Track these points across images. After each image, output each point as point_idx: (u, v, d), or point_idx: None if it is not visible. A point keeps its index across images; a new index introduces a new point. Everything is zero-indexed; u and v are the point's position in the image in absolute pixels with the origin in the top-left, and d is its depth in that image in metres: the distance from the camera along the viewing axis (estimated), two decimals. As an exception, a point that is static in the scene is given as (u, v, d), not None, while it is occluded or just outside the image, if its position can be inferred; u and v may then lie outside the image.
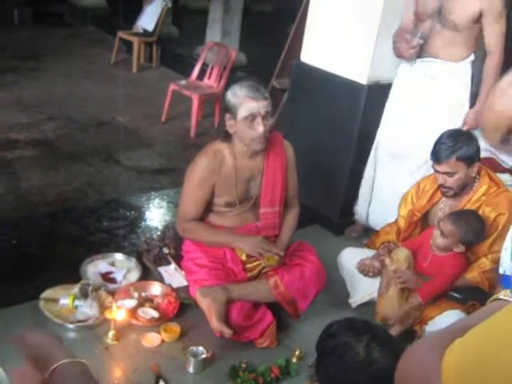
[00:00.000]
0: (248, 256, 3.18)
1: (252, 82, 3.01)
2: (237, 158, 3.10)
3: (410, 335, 3.15)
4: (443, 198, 3.29)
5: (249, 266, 3.20)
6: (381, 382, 1.60)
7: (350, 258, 3.52)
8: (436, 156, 3.13)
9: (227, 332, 2.89)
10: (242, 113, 2.93)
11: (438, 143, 3.14)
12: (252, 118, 2.93)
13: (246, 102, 2.91)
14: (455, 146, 3.05)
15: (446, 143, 3.08)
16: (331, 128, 4.25)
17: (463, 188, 3.17)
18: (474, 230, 3.04)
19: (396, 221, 3.55)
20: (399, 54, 3.75)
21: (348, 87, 4.10)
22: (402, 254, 3.25)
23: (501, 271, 2.65)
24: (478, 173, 3.18)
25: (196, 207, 3.14)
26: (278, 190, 3.20)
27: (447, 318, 2.95)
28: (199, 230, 3.18)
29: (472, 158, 3.08)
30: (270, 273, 3.17)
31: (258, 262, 3.20)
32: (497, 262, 2.91)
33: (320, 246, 3.49)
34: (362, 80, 4.02)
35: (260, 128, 2.94)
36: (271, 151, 3.17)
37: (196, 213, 3.15)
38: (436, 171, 3.17)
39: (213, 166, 3.07)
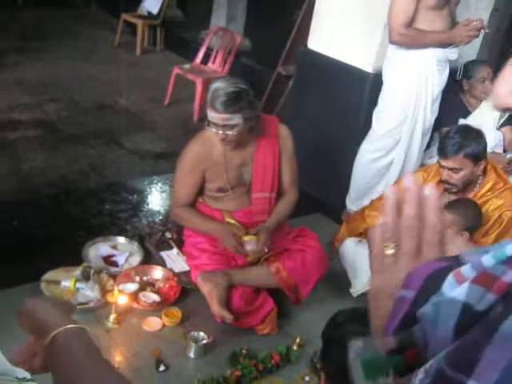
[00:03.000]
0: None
1: (232, 86, 2.88)
2: None
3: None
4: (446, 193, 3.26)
5: None
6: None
7: (352, 248, 3.51)
8: (443, 151, 3.07)
9: (228, 317, 2.89)
10: (207, 113, 2.92)
11: (445, 137, 3.10)
12: (212, 124, 2.91)
13: (209, 106, 2.88)
14: (463, 142, 3.00)
15: (454, 138, 3.02)
16: (336, 116, 4.23)
17: (467, 186, 3.13)
18: (473, 213, 3.00)
19: (381, 201, 3.48)
20: (454, 41, 3.66)
21: (354, 75, 4.08)
22: None
23: None
24: (484, 169, 3.14)
25: (187, 193, 3.18)
26: (268, 176, 3.18)
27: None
28: (188, 216, 3.20)
29: (479, 156, 3.03)
30: (271, 258, 3.17)
31: None
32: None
33: (323, 234, 3.49)
34: (368, 68, 4.00)
35: (219, 135, 2.94)
36: (263, 137, 3.15)
37: (187, 198, 3.19)
38: (441, 166, 3.11)
39: (202, 152, 3.09)
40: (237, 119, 2.87)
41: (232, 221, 3.22)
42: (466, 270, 0.55)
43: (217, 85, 2.88)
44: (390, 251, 0.64)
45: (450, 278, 0.55)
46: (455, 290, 0.53)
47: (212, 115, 2.87)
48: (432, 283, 0.56)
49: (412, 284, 0.59)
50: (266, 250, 3.09)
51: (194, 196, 3.20)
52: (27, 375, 0.76)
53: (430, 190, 0.64)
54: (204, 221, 3.18)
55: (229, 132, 2.91)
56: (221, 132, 2.91)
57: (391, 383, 0.59)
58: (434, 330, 0.54)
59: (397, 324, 0.59)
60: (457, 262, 0.59)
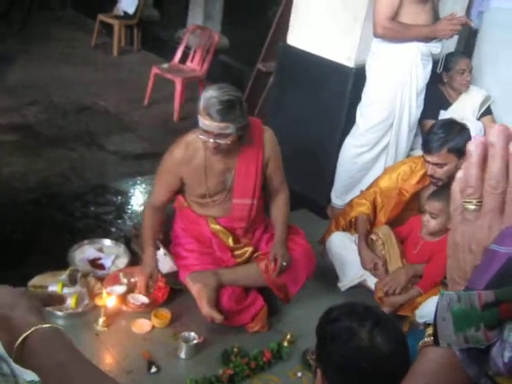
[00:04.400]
0: (235, 242, 3.18)
1: (226, 94, 2.79)
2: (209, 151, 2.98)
3: (401, 320, 3.17)
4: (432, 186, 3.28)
5: (237, 252, 3.19)
6: (384, 367, 1.60)
7: (339, 242, 3.52)
8: (427, 146, 3.09)
9: (218, 317, 2.89)
10: (199, 121, 2.82)
11: (429, 133, 3.12)
12: (204, 131, 2.82)
13: (203, 114, 2.77)
14: (447, 137, 3.02)
15: (438, 134, 3.05)
16: (318, 111, 4.23)
17: (452, 179, 3.14)
18: None
19: (369, 190, 3.50)
20: (437, 35, 3.68)
21: (335, 70, 4.08)
22: (383, 229, 3.34)
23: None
24: None
25: (159, 194, 3.17)
26: (250, 183, 3.10)
27: (435, 301, 2.98)
28: (144, 224, 3.20)
29: (463, 150, 3.05)
30: (260, 257, 3.17)
31: (246, 248, 3.20)
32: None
33: (308, 229, 3.49)
34: (349, 63, 4.00)
35: (208, 144, 2.84)
36: (247, 142, 3.05)
37: (158, 199, 3.17)
38: (426, 161, 3.14)
39: (182, 158, 3.02)
40: (232, 128, 2.79)
41: (217, 227, 3.19)
42: None
43: (210, 92, 2.78)
44: (471, 207, 0.65)
45: None
46: None
47: (207, 123, 2.77)
48: None
49: (506, 241, 0.60)
50: (285, 264, 3.07)
51: (165, 199, 3.18)
52: (35, 377, 0.75)
53: None
54: (145, 238, 3.17)
55: (222, 141, 2.82)
56: (212, 141, 2.81)
57: (481, 336, 0.60)
58: None
59: (489, 278, 0.60)
60: None
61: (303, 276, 3.18)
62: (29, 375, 0.82)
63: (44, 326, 0.93)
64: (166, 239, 3.45)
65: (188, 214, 3.22)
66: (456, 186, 0.67)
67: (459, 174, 0.67)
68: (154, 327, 3.06)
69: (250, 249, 3.21)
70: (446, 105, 4.34)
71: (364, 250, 3.33)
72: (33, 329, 0.92)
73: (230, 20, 7.72)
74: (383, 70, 3.78)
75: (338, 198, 4.21)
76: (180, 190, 3.19)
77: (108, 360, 2.87)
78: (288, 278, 3.14)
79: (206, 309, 2.91)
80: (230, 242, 3.18)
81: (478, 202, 0.64)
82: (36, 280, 3.16)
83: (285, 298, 3.20)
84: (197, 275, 3.02)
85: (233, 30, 7.58)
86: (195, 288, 2.97)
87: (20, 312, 0.96)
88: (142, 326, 3.05)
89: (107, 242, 3.63)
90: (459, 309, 0.62)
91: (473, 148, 0.64)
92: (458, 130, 3.08)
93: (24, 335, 0.91)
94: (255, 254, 3.19)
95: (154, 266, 3.10)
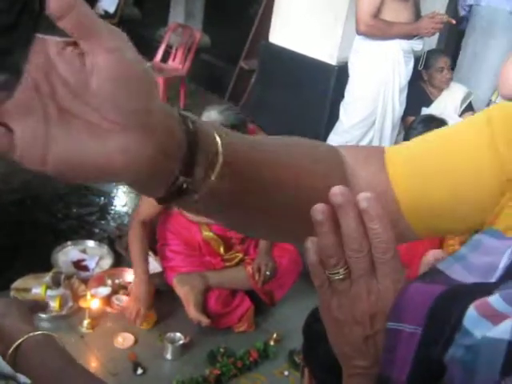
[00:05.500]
0: (226, 250, 3.17)
1: (232, 121, 2.76)
2: None
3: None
4: None
5: (227, 257, 3.18)
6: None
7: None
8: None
9: (205, 321, 2.88)
10: None
11: (409, 128, 3.17)
12: None
13: None
14: (427, 132, 3.06)
15: (417, 129, 3.10)
16: (301, 109, 4.24)
17: None
18: None
19: None
20: (419, 33, 3.72)
21: (317, 68, 4.09)
22: None
23: None
24: None
25: (149, 207, 3.02)
26: None
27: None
28: (132, 242, 3.05)
29: None
30: (248, 261, 3.17)
31: (236, 254, 3.19)
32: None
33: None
34: (332, 61, 4.02)
35: None
36: None
37: (148, 213, 3.05)
38: None
39: None
40: None
41: (210, 234, 3.17)
42: (496, 301, 0.48)
43: (213, 115, 2.74)
44: (340, 277, 0.57)
45: (472, 312, 0.48)
46: (493, 329, 0.47)
47: None
48: (441, 317, 0.50)
49: (409, 316, 0.53)
50: (268, 273, 3.09)
51: (156, 209, 3.05)
52: (27, 381, 0.77)
53: (366, 200, 0.54)
54: (136, 264, 3.03)
55: None
56: None
57: None
58: (470, 377, 0.47)
59: (410, 367, 0.52)
60: (446, 280, 0.54)
61: (289, 281, 3.21)
62: (23, 378, 0.85)
63: (36, 333, 0.95)
64: (150, 240, 3.44)
65: (178, 218, 3.17)
66: (312, 259, 0.58)
67: (309, 246, 0.58)
68: (139, 329, 3.05)
69: (240, 255, 3.21)
70: (428, 102, 4.37)
71: None
72: (25, 336, 0.94)
73: (212, 18, 7.69)
74: (366, 67, 3.80)
75: None
76: None
77: (93, 362, 2.84)
78: (274, 284, 3.15)
79: (193, 312, 2.90)
80: (222, 250, 3.16)
81: (345, 269, 0.57)
82: (19, 283, 3.13)
83: (270, 301, 3.22)
84: (184, 277, 3.01)
85: (214, 29, 7.55)
86: (183, 291, 2.96)
87: (11, 320, 0.97)
88: (125, 340, 3.00)
89: (91, 243, 3.60)
90: None
91: (320, 216, 0.56)
92: (436, 124, 3.11)
93: (17, 343, 0.93)
94: (244, 258, 3.19)
95: (146, 298, 2.99)
